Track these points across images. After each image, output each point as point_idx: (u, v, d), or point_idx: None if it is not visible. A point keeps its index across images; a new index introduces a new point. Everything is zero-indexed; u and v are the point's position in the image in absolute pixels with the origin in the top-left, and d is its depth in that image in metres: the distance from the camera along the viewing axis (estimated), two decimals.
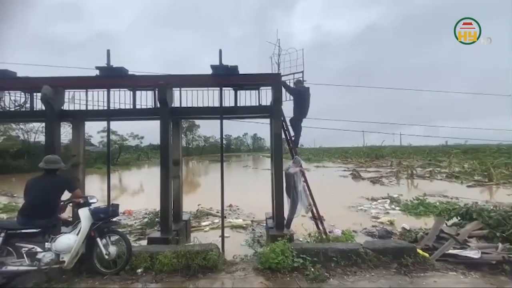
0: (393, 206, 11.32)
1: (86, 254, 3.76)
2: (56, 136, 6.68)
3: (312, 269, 3.62)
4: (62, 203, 3.85)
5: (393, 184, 18.47)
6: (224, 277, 3.64)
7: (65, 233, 3.67)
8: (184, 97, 6.96)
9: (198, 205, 11.00)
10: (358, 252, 3.99)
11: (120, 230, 4.46)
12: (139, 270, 3.79)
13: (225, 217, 10.08)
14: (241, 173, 30.30)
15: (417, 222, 8.97)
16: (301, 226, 6.93)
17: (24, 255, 3.37)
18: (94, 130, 42.49)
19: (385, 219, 9.17)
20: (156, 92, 6.59)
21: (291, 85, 6.96)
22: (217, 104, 6.73)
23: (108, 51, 6.73)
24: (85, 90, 6.97)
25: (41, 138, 33.67)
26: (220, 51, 6.66)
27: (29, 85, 6.68)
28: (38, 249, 3.45)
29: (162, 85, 6.38)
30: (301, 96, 6.78)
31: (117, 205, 4.22)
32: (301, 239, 7.37)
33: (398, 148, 53.82)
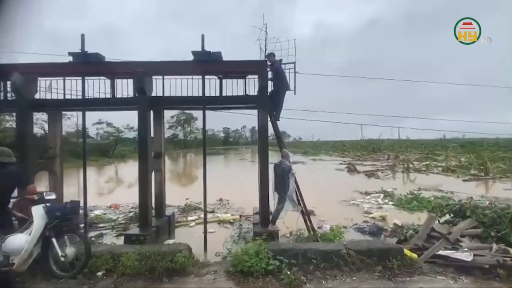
0: (386, 201, 11.06)
1: (41, 256, 3.42)
2: (28, 127, 6.29)
3: (288, 273, 3.31)
4: (14, 199, 3.48)
5: (389, 178, 18.23)
6: (191, 281, 3.33)
7: (16, 233, 3.32)
8: (168, 87, 6.60)
9: (187, 199, 10.68)
10: (340, 254, 3.67)
11: (83, 229, 4.10)
12: (99, 273, 3.46)
13: (213, 211, 9.85)
14: (236, 166, 29.97)
15: (410, 218, 8.70)
16: (288, 223, 6.66)
17: None
18: (89, 122, 41.81)
19: (377, 215, 8.90)
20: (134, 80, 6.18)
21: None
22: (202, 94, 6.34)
23: (83, 36, 6.25)
24: (62, 78, 6.58)
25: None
26: (203, 36, 6.20)
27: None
28: None
29: (140, 72, 5.96)
30: (282, 70, 6.40)
31: (77, 202, 3.86)
32: (288, 236, 7.13)
33: (396, 141, 53.59)
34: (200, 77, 6.23)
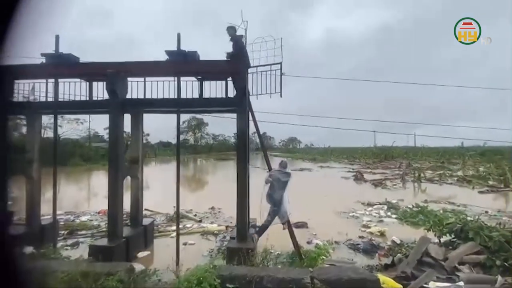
0: (389, 213, 10.19)
1: None
2: (6, 131, 6.07)
3: None
4: None
5: (397, 188, 17.15)
6: None
7: None
8: (151, 90, 6.25)
9: (174, 206, 10.23)
10: (303, 283, 3.08)
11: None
12: None
13: (201, 221, 9.37)
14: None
15: (413, 233, 7.83)
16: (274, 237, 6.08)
17: None
18: (101, 126, 42.95)
19: (375, 229, 8.10)
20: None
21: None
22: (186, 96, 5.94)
23: (57, 37, 6.03)
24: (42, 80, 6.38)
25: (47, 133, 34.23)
26: (179, 35, 5.83)
27: None
28: None
29: (110, 73, 5.63)
30: (243, 46, 5.81)
31: (8, 213, 3.47)
32: (276, 252, 6.52)
33: (411, 149, 51.46)
34: (189, 78, 5.90)
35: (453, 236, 4.75)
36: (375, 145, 56.56)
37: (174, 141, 70.54)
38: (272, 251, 6.65)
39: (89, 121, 40.35)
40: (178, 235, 5.88)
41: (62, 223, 8.65)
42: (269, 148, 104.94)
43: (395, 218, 9.65)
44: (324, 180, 21.20)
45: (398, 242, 6.90)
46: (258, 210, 5.90)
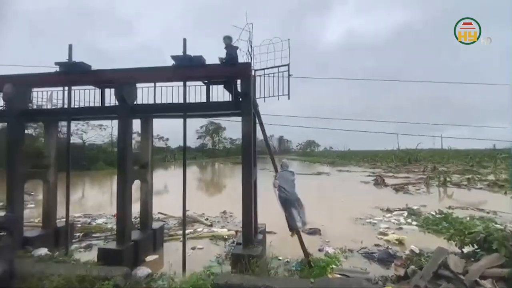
0: (409, 220, 9.58)
1: None
2: (20, 136, 6.43)
3: None
4: None
5: (420, 193, 16.18)
6: None
7: None
8: (161, 95, 6.36)
9: (187, 210, 10.27)
10: None
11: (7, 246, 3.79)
12: None
13: (211, 225, 9.34)
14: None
15: (435, 242, 7.29)
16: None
17: None
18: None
19: (393, 237, 7.62)
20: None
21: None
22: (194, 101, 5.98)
23: (70, 46, 6.30)
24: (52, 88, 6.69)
25: (73, 139, 36.16)
26: (185, 40, 5.88)
27: None
28: None
29: (119, 80, 5.79)
30: (235, 56, 5.81)
31: (13, 217, 3.60)
32: (285, 259, 6.32)
33: (437, 152, 48.76)
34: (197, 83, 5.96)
35: (476, 246, 4.31)
36: (398, 148, 54.25)
37: (193, 146, 72.21)
38: (280, 258, 6.49)
39: (111, 127, 42.16)
40: (184, 240, 5.84)
41: (79, 225, 8.98)
42: (286, 152, 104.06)
43: (416, 225, 9.05)
44: (342, 185, 20.52)
45: (417, 251, 6.45)
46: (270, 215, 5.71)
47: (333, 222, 9.36)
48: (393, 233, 8.07)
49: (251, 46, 6.10)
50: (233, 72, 5.68)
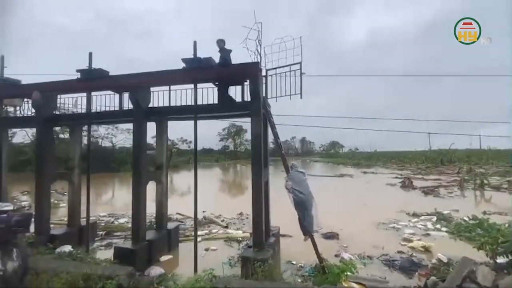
0: (438, 226, 8.86)
1: None
2: (47, 140, 6.87)
3: None
4: None
5: (453, 196, 14.97)
6: None
7: None
8: (176, 98, 6.51)
9: (203, 212, 10.41)
10: None
11: (23, 243, 3.98)
12: None
13: (227, 226, 9.33)
14: (276, 178, 29.09)
15: (467, 251, 6.66)
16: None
17: None
18: (149, 135, 46.53)
19: (418, 244, 7.07)
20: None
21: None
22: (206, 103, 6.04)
23: (90, 54, 6.63)
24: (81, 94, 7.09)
25: (105, 143, 38.46)
26: (195, 43, 5.94)
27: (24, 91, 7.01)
28: None
29: (133, 84, 5.98)
30: (227, 60, 5.83)
31: (28, 215, 3.78)
32: (299, 264, 6.12)
33: (475, 152, 44.99)
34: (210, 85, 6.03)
35: (510, 257, 3.82)
36: (430, 148, 50.92)
37: (215, 148, 73.49)
38: (294, 262, 6.29)
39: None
40: (195, 241, 5.86)
41: (103, 224, 9.42)
42: (308, 153, 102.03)
43: (446, 231, 8.35)
44: (366, 187, 19.63)
45: (445, 260, 5.89)
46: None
47: (353, 227, 8.92)
48: (419, 240, 7.50)
49: (260, 46, 6.02)
50: (242, 72, 5.62)
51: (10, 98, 7.30)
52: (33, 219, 5.19)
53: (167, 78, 5.95)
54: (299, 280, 5.43)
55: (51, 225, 8.19)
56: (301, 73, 6.12)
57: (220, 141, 73.01)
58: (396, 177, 24.39)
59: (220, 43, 5.72)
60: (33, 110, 6.93)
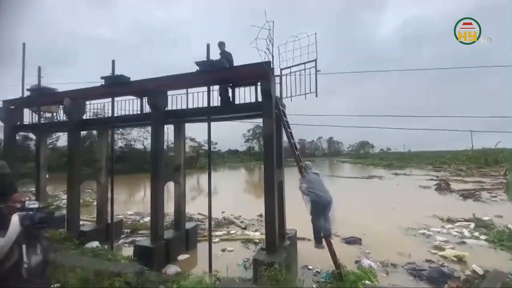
0: (476, 234, 8.01)
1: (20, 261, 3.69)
2: (76, 143, 7.40)
3: None
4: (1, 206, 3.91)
5: (497, 201, 13.49)
6: None
7: None
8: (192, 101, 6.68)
9: (222, 212, 10.50)
10: None
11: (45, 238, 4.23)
12: (55, 286, 3.46)
13: (245, 228, 9.31)
14: (295, 181, 28.51)
15: (509, 263, 5.96)
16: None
17: None
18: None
19: (451, 253, 6.45)
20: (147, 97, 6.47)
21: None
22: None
23: (113, 61, 7.04)
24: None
25: (137, 145, 40.71)
26: (208, 46, 6.03)
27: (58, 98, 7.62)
28: None
29: (150, 88, 6.22)
30: (228, 61, 5.86)
31: (51, 213, 4.06)
32: (315, 269, 5.90)
33: None
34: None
35: None
36: (472, 147, 46.55)
37: (241, 149, 74.32)
38: (310, 267, 6.07)
39: (167, 133, 46.05)
40: (210, 242, 5.93)
41: (129, 222, 9.92)
42: (336, 154, 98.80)
43: (485, 240, 7.52)
44: (396, 190, 18.49)
45: (481, 272, 5.30)
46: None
47: (378, 231, 8.41)
48: (452, 248, 6.84)
49: (272, 45, 5.92)
50: (252, 73, 5.56)
51: (46, 105, 8.00)
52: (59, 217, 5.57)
53: (181, 81, 6.09)
54: (314, 286, 5.22)
55: (85, 222, 8.86)
56: (316, 71, 5.93)
57: (245, 142, 73.90)
58: (432, 179, 22.66)
59: (221, 45, 5.80)
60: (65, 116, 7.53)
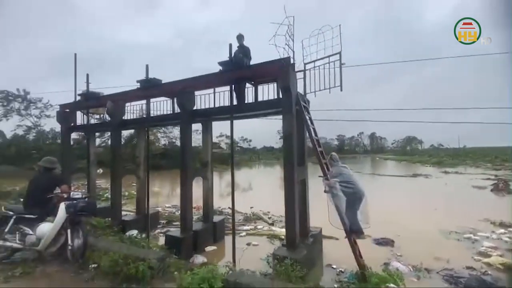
0: None
1: (65, 243, 4.30)
2: (118, 141, 8.22)
3: None
4: (52, 196, 4.55)
5: None
6: None
7: (46, 222, 4.34)
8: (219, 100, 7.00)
9: (251, 207, 10.71)
10: None
11: (85, 224, 4.74)
12: (92, 265, 3.97)
13: (273, 224, 9.41)
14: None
15: None
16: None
17: (18, 235, 4.24)
18: (214, 135, 50.40)
19: (497, 260, 5.75)
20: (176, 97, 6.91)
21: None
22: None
23: (147, 66, 7.66)
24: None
25: (178, 143, 43.16)
26: (230, 45, 6.20)
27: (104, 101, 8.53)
28: (30, 232, 4.25)
29: (179, 89, 6.63)
30: (245, 56, 5.90)
31: (92, 202, 4.62)
32: (340, 268, 5.76)
33: None
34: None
35: None
36: None
37: (276, 146, 74.30)
38: (334, 266, 5.94)
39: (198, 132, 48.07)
40: (233, 235, 6.16)
41: (166, 214, 10.71)
42: (379, 151, 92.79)
43: None
44: (443, 190, 16.83)
45: None
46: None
47: (414, 234, 7.84)
48: (500, 255, 6.09)
49: (292, 40, 5.89)
50: (269, 69, 5.58)
51: (94, 108, 9.03)
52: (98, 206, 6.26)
53: (205, 81, 6.38)
54: (335, 286, 5.11)
55: (127, 212, 9.81)
56: (340, 64, 5.77)
57: (280, 139, 73.85)
58: (489, 179, 20.20)
59: (240, 38, 5.84)
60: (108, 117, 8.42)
